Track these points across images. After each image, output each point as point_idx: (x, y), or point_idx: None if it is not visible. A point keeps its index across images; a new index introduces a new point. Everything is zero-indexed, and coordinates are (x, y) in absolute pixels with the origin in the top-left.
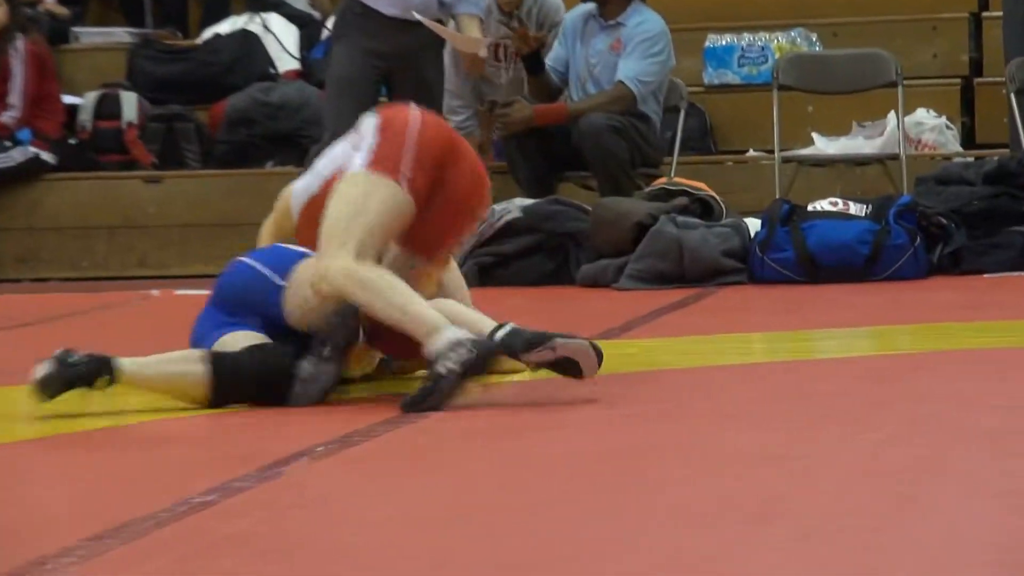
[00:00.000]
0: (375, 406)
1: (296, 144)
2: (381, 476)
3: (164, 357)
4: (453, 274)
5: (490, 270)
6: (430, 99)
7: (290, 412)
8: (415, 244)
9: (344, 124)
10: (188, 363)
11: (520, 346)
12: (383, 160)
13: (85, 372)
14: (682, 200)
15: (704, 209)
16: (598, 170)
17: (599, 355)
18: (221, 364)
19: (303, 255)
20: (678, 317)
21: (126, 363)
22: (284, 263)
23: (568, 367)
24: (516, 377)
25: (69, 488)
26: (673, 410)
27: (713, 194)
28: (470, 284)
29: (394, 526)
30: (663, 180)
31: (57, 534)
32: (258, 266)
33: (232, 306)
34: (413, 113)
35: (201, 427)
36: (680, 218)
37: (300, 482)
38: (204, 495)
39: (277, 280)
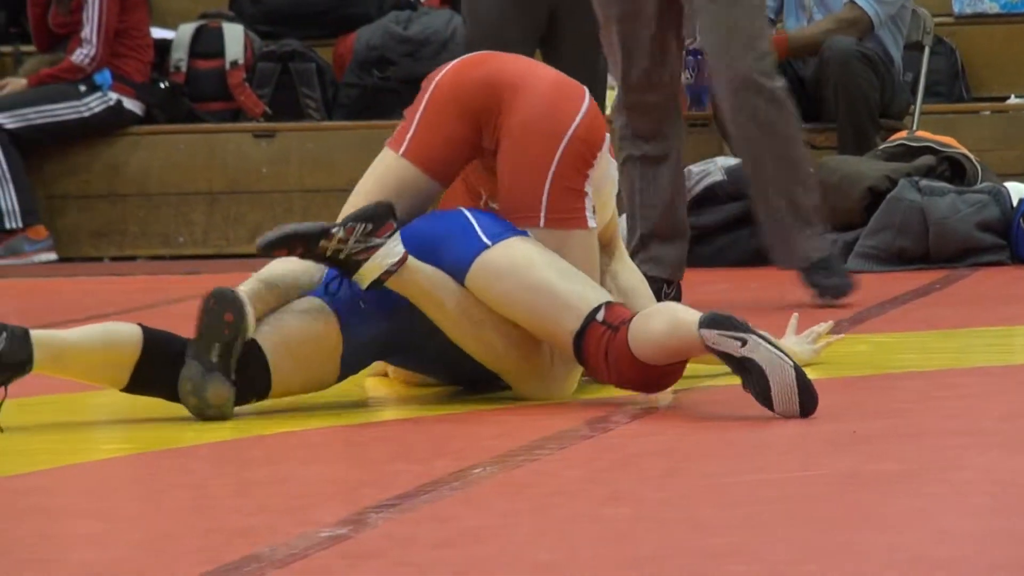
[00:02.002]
0: (543, 416)
1: None
2: (549, 507)
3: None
4: (630, 274)
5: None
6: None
7: (436, 425)
8: (502, 198)
9: None
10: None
11: (704, 320)
12: (397, 133)
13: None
14: (927, 159)
15: (954, 171)
16: (841, 110)
17: (806, 395)
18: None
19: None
20: (920, 306)
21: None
22: (498, 227)
23: (753, 379)
24: (717, 381)
25: (169, 515)
26: (910, 426)
27: (966, 152)
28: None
29: (564, 571)
30: (903, 134)
31: (157, 571)
32: (471, 217)
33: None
34: (444, 69)
35: (327, 441)
36: (924, 182)
37: (449, 514)
38: (334, 528)
39: (483, 238)
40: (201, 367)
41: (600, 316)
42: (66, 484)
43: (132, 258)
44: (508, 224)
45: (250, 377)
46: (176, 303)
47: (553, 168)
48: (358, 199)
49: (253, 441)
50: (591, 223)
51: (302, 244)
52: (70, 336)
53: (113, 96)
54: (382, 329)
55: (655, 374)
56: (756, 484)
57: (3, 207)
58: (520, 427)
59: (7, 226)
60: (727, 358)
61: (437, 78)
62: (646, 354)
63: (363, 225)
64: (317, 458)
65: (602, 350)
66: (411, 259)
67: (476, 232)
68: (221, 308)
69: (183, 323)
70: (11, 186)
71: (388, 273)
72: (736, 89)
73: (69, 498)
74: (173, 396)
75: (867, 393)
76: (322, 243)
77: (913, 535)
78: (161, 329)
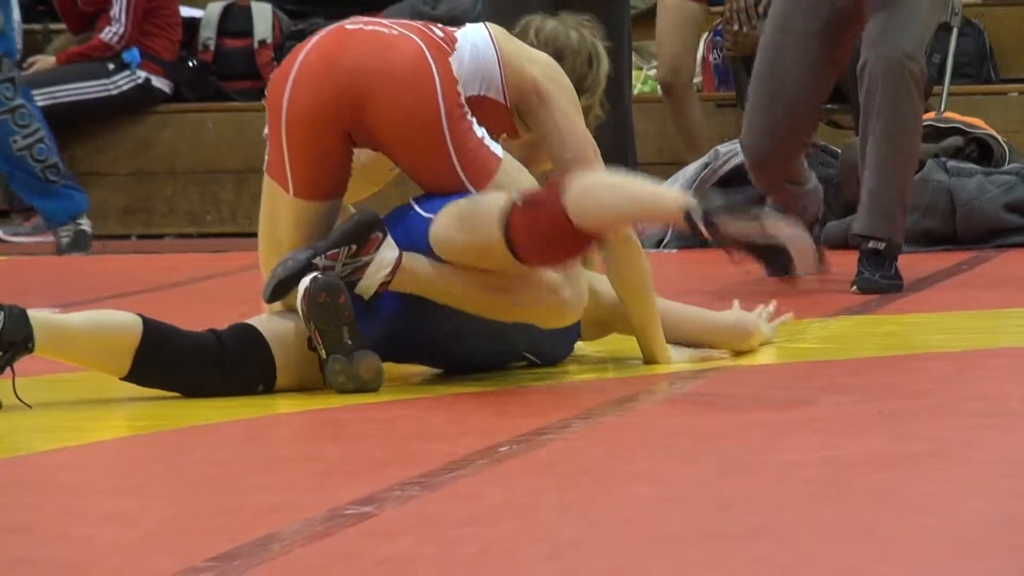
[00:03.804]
0: (569, 395)
1: None
2: (574, 486)
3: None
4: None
5: None
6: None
7: (460, 403)
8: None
9: None
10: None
11: (717, 210)
12: (274, 165)
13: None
14: (954, 140)
15: (982, 152)
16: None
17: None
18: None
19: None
20: (947, 287)
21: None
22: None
23: (774, 257)
24: (744, 361)
25: (195, 492)
26: (936, 406)
27: (993, 133)
28: (689, 243)
29: (586, 550)
30: (931, 115)
31: (176, 552)
32: (412, 203)
33: None
34: (286, 82)
35: (352, 419)
36: (952, 163)
37: (474, 492)
38: (357, 505)
39: (425, 214)
40: (342, 355)
41: (517, 201)
42: (92, 461)
43: (160, 236)
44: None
45: (257, 364)
46: (204, 281)
47: (451, 149)
48: (280, 249)
49: (277, 419)
50: (499, 152)
51: (294, 285)
52: (70, 318)
53: (141, 74)
54: (383, 330)
55: (580, 242)
56: (781, 464)
57: None
58: (545, 405)
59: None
60: (747, 245)
61: (285, 100)
62: (587, 214)
63: (346, 248)
64: (341, 436)
65: (525, 228)
66: (406, 258)
67: (420, 214)
68: (330, 297)
69: (210, 302)
70: None
71: (385, 284)
72: (890, 67)
73: (95, 475)
74: (173, 387)
75: (893, 373)
76: (339, 282)
77: (937, 516)
78: (162, 321)
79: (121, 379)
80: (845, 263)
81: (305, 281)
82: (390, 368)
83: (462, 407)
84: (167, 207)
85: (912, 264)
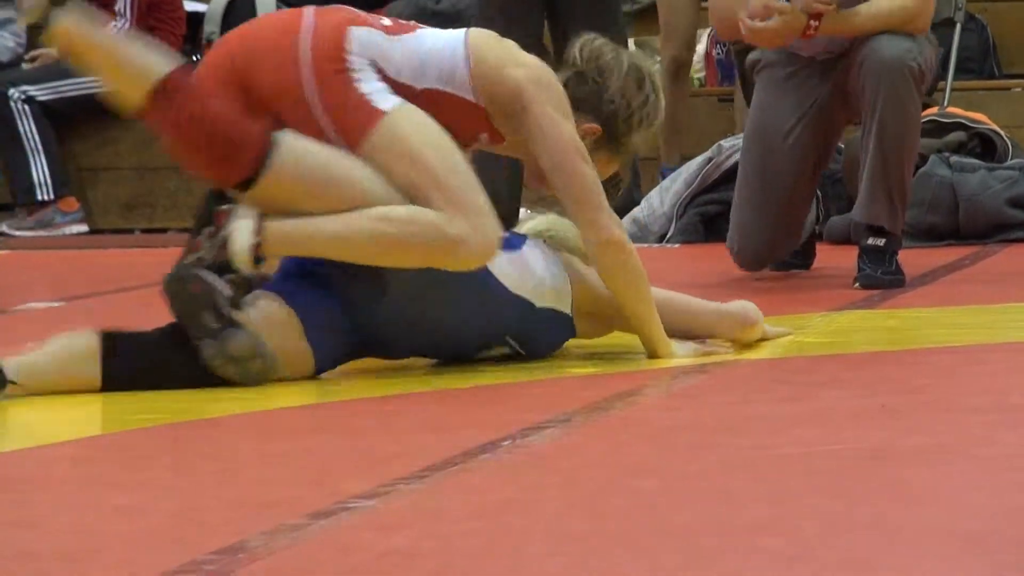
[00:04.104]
0: (572, 389)
1: None
2: (578, 479)
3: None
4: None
5: (716, 221)
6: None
7: (463, 396)
8: None
9: None
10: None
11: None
12: None
13: None
14: (957, 135)
15: (985, 147)
16: None
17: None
18: (111, 339)
19: None
20: (951, 282)
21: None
22: None
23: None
24: (743, 354)
25: (200, 486)
26: (939, 401)
27: (996, 128)
28: (692, 238)
29: (590, 544)
30: (934, 110)
31: (184, 544)
32: None
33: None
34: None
35: (354, 412)
36: (955, 158)
37: (477, 485)
38: (359, 499)
39: None
40: (210, 339)
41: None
42: (97, 454)
43: (163, 230)
44: None
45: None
46: None
47: (314, 101)
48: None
49: (279, 413)
50: (385, 107)
51: (185, 285)
52: (31, 355)
53: None
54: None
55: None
56: (785, 458)
57: (35, 179)
58: (548, 399)
59: (38, 198)
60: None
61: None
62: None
63: (205, 232)
64: (344, 429)
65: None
66: (272, 218)
67: None
68: (182, 288)
69: None
70: (43, 158)
71: (256, 246)
72: (890, 66)
73: (101, 467)
74: (153, 385)
75: (896, 368)
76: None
77: (941, 510)
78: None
79: (100, 390)
80: (847, 259)
81: (177, 272)
82: (388, 363)
83: (464, 401)
84: (170, 202)
85: (915, 259)
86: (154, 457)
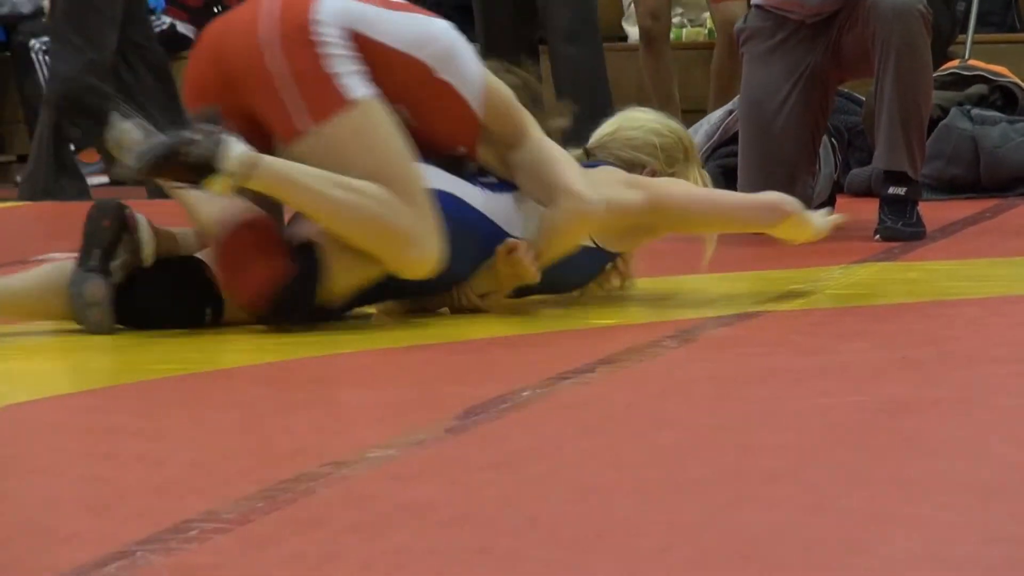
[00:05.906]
0: (593, 340)
1: None
2: (597, 430)
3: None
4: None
5: (737, 174)
6: None
7: (483, 347)
8: None
9: None
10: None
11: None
12: None
13: None
14: (979, 88)
15: (1006, 100)
16: None
17: None
18: None
19: None
20: (972, 235)
21: None
22: None
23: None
24: (764, 307)
25: (219, 435)
26: (960, 353)
27: (1018, 81)
28: None
29: (608, 495)
30: (955, 63)
31: (203, 493)
32: None
33: None
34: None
35: (374, 363)
36: (976, 111)
37: (497, 436)
38: (380, 449)
39: None
40: (81, 270)
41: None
42: (119, 403)
43: None
44: None
45: (196, 287)
46: None
47: (277, 71)
48: None
49: (299, 363)
50: (357, 92)
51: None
52: (7, 277)
53: (166, 20)
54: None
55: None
56: (804, 410)
57: None
58: (568, 350)
59: None
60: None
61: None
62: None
63: (207, 125)
64: (364, 380)
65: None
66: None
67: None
68: (100, 216)
69: None
70: None
71: (247, 162)
72: (901, 11)
73: (122, 417)
74: (124, 315)
75: (917, 319)
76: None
77: (963, 461)
78: None
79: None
80: (868, 211)
81: (110, 201)
82: (407, 314)
83: (485, 351)
84: None
85: (936, 212)
86: (171, 407)
